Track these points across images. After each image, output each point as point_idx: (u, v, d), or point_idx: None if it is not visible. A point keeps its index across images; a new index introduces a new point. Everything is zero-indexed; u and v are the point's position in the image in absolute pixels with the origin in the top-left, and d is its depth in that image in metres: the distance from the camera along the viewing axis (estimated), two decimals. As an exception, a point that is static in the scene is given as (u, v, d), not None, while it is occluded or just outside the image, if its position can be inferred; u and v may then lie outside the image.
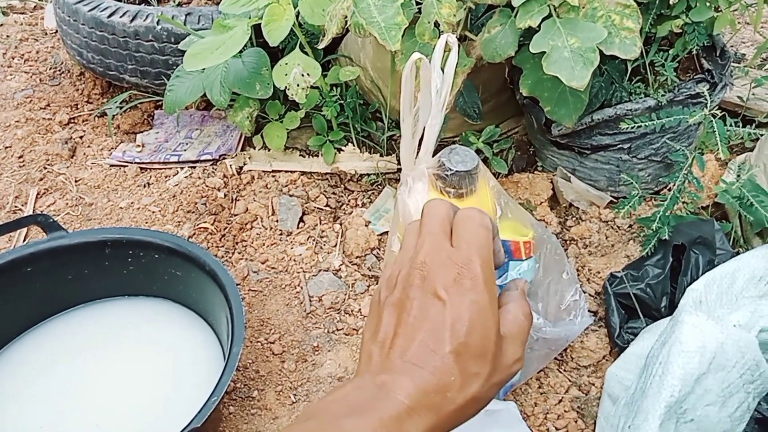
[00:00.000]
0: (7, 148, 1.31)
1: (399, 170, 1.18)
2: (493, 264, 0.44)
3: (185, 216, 1.12)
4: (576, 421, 0.81)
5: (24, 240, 1.12)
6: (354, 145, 1.20)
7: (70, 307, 0.90)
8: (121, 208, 1.16)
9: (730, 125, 0.87)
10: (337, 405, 0.40)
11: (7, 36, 1.75)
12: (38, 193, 1.20)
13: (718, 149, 0.95)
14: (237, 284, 0.99)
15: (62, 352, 0.85)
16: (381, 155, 1.19)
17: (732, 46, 1.54)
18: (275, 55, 1.10)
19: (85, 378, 0.82)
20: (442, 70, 0.66)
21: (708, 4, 0.93)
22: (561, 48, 0.78)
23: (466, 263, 0.42)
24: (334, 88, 1.16)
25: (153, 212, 1.14)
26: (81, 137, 1.35)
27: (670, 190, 0.96)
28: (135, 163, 1.25)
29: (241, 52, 1.10)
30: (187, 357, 0.84)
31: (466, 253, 0.43)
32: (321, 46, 0.92)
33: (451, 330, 0.40)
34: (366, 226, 1.07)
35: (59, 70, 1.56)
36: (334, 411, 0.39)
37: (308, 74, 1.00)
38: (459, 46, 0.85)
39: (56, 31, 1.69)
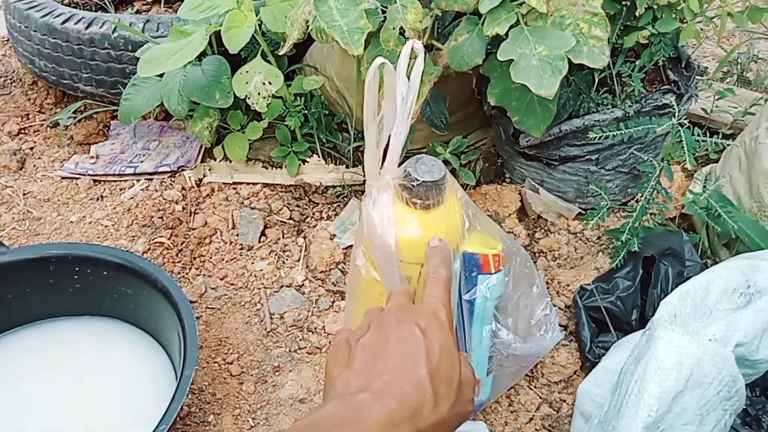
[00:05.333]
0: (-50, 159, 1.24)
1: (365, 182, 1.15)
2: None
3: (140, 230, 1.07)
4: (548, 441, 0.78)
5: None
6: (319, 157, 1.16)
7: (10, 329, 0.84)
8: (71, 222, 1.10)
9: (697, 135, 0.86)
10: (323, 421, 0.43)
11: (-45, 43, 1.67)
12: (-18, 207, 1.13)
13: (684, 160, 0.95)
14: (194, 302, 0.95)
15: (1, 376, 0.79)
16: (347, 167, 1.16)
17: (694, 60, 1.56)
18: (237, 64, 1.07)
19: (25, 404, 0.76)
20: (408, 77, 0.64)
21: (674, 15, 0.93)
22: (529, 56, 0.76)
23: (433, 312, 0.51)
24: (298, 98, 1.13)
25: (106, 226, 1.08)
26: (31, 148, 1.29)
27: (637, 201, 0.95)
28: (88, 175, 1.19)
29: (200, 59, 1.06)
30: (137, 380, 0.78)
31: (433, 305, 0.52)
32: (282, 52, 0.89)
33: (427, 356, 0.47)
34: (331, 239, 1.04)
35: (10, 79, 1.49)
36: (323, 426, 0.43)
37: (270, 83, 0.96)
38: (425, 54, 0.83)
39: (7, 39, 1.63)
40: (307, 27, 0.82)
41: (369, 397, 0.44)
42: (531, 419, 0.80)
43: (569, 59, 0.78)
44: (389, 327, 0.50)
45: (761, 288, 0.58)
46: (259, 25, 1.00)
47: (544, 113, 0.87)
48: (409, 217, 0.66)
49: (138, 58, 1.14)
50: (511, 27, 0.79)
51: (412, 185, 0.65)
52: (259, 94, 0.96)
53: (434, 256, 0.58)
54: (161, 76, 1.09)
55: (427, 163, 0.66)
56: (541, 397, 0.83)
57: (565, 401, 0.83)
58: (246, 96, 0.97)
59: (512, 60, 0.77)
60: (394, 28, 0.81)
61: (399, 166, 0.67)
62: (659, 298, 0.83)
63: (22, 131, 1.33)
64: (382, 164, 0.67)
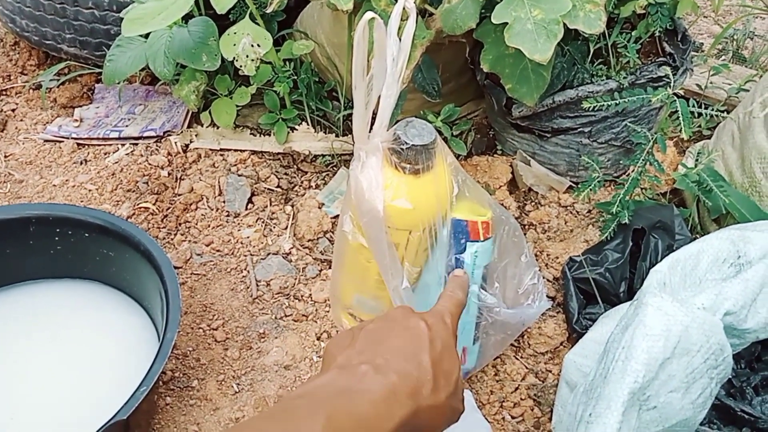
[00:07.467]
0: (-72, 119, 1.20)
1: (354, 147, 1.13)
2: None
3: (125, 195, 1.05)
4: (532, 409, 0.78)
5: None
6: (308, 124, 1.14)
7: (-11, 290, 0.82)
8: (54, 185, 1.08)
9: (693, 106, 0.85)
10: (322, 389, 0.43)
11: (-65, 1, 1.62)
12: (-38, 169, 1.11)
13: (677, 135, 0.94)
14: (179, 268, 0.93)
15: (-21, 339, 0.77)
16: (337, 135, 1.14)
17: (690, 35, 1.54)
18: (225, 27, 1.04)
19: (4, 367, 0.75)
20: (399, 38, 0.62)
21: (672, -16, 0.91)
22: (524, 19, 0.74)
23: (441, 315, 0.52)
24: (288, 63, 1.10)
25: (89, 190, 1.06)
26: (13, 110, 1.25)
27: (629, 175, 0.94)
28: (71, 138, 1.16)
29: (187, 21, 1.03)
30: (119, 344, 0.77)
31: (442, 311, 0.53)
32: (269, 9, 0.87)
33: (431, 345, 0.48)
34: (319, 208, 1.02)
35: (-9, 39, 1.45)
36: (321, 393, 0.42)
37: (258, 45, 0.94)
38: (417, 17, 0.80)
39: (-11, -2, 1.57)
40: (297, -16, 0.79)
41: (371, 369, 0.44)
42: (516, 389, 0.80)
43: (565, 25, 0.76)
44: (395, 319, 0.50)
45: (751, 258, 0.58)
46: (248, -15, 0.97)
47: (538, 81, 0.86)
48: (398, 182, 0.65)
49: (123, 19, 1.11)
50: (506, -10, 0.77)
51: (402, 149, 0.63)
52: (247, 56, 0.93)
53: (454, 282, 0.60)
54: (146, 37, 1.06)
55: (417, 126, 0.65)
56: (527, 367, 0.82)
57: (551, 371, 0.83)
58: (234, 58, 0.95)
59: (506, 24, 0.75)
60: (386, -11, 0.79)
61: (388, 130, 0.66)
62: (648, 271, 0.83)
63: (4, 92, 1.30)
64: (371, 127, 0.66)
